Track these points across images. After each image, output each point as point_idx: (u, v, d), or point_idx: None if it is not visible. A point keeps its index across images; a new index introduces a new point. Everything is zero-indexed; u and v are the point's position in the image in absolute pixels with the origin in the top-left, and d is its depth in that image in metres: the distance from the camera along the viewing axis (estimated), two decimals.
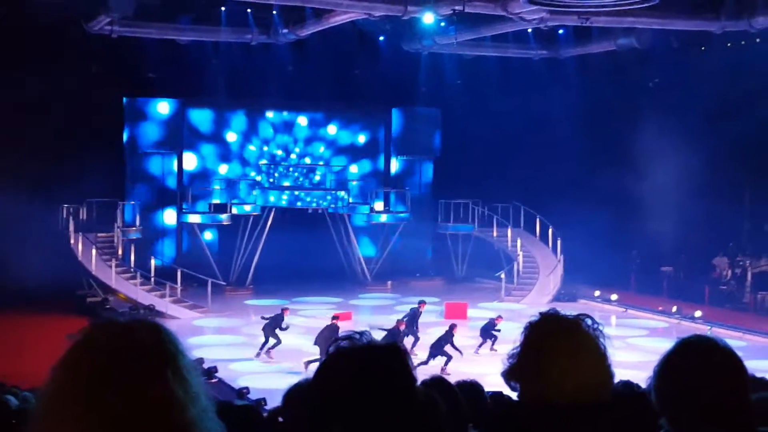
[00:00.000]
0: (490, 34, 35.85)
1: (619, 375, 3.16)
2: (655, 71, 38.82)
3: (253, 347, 28.10)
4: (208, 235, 41.52)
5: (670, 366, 3.18)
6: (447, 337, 25.94)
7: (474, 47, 38.47)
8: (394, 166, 46.19)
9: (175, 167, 42.21)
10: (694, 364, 3.14)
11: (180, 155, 42.32)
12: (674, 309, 34.24)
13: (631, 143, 37.10)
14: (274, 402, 5.89)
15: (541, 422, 2.87)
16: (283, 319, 27.53)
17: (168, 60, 37.75)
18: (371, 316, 33.90)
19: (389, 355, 2.53)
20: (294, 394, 4.32)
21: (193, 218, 40.21)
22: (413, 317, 28.28)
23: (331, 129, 45.19)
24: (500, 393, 6.57)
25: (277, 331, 27.00)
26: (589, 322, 3.00)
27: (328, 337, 24.30)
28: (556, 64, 39.75)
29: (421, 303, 29.28)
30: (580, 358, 2.90)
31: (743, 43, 34.58)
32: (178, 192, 41.54)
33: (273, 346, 27.03)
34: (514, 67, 40.53)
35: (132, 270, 35.94)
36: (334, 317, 26.72)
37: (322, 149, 44.95)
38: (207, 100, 41.98)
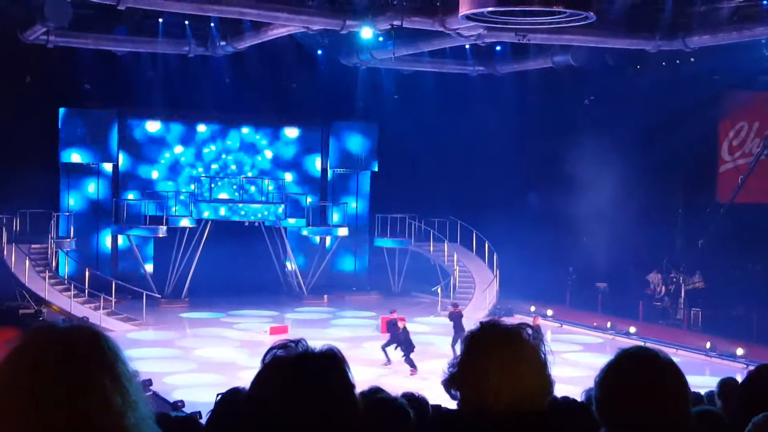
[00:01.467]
0: (428, 49, 35.99)
1: (555, 390, 3.17)
2: (591, 89, 39.20)
3: (188, 360, 27.98)
4: (144, 248, 41.14)
5: (611, 376, 3.20)
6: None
7: (412, 62, 38.63)
8: (331, 180, 46.16)
9: (111, 179, 41.87)
10: (635, 374, 3.16)
11: (116, 167, 41.97)
12: (609, 325, 34.55)
13: (566, 160, 37.39)
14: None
15: (479, 430, 2.88)
16: (395, 324, 28.02)
17: (104, 71, 37.49)
18: (307, 330, 33.88)
19: (326, 362, 2.52)
20: (225, 402, 4.29)
21: (129, 231, 39.91)
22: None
23: (268, 142, 45.07)
24: (439, 406, 6.57)
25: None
26: (530, 331, 3.02)
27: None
28: (493, 80, 39.97)
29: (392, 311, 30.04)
30: (520, 366, 2.92)
31: (678, 62, 35.05)
32: (113, 203, 41.20)
33: (407, 356, 27.33)
34: (451, 82, 40.75)
35: (66, 282, 35.53)
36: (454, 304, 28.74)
37: (259, 162, 44.79)
38: (143, 112, 41.70)
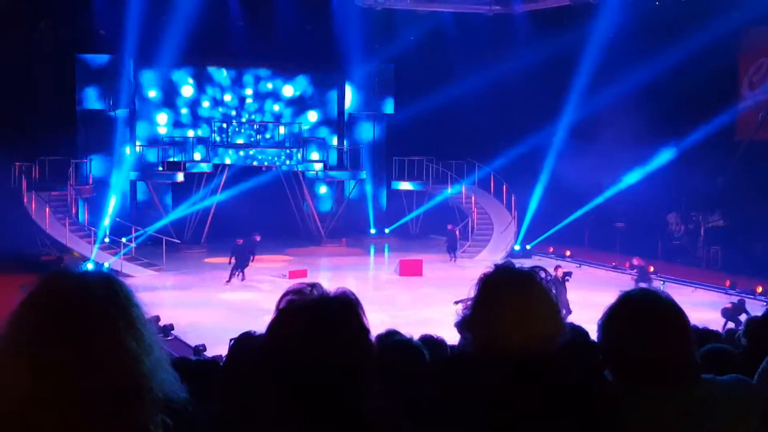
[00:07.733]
0: None
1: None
2: (610, 27, 38.76)
3: (209, 304, 28.07)
4: (163, 194, 41.23)
5: (612, 319, 3.22)
6: None
7: (427, 3, 38.35)
8: (348, 123, 46.02)
9: (127, 124, 41.87)
10: (635, 317, 3.17)
11: (132, 113, 41.96)
12: (628, 264, 34.44)
13: (585, 98, 37.15)
14: None
15: (489, 372, 2.88)
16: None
17: (119, 16, 37.32)
18: (326, 272, 33.97)
19: (341, 305, 2.52)
20: (240, 347, 4.29)
21: (147, 177, 40.00)
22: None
23: (284, 86, 44.94)
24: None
25: None
26: (543, 274, 3.02)
27: None
28: (509, 20, 39.66)
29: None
30: (532, 309, 2.92)
31: None
32: (132, 149, 41.23)
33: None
34: (467, 23, 40.47)
35: (86, 228, 35.62)
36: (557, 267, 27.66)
37: (275, 107, 44.73)
38: (158, 57, 41.50)
